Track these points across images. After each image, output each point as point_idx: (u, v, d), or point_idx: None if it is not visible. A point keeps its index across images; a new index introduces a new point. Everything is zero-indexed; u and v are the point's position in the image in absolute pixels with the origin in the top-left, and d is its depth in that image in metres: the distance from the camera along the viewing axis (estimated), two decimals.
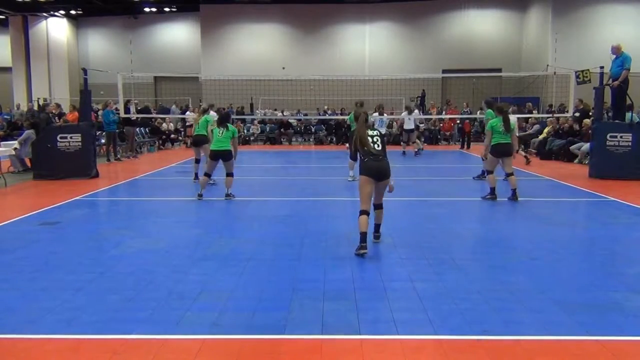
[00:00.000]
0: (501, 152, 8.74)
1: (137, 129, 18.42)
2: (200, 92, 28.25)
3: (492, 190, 8.79)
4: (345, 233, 6.58)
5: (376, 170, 5.73)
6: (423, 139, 21.45)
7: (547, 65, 21.18)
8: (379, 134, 5.96)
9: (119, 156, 15.60)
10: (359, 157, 5.88)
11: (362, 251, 5.55)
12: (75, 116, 15.15)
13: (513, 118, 13.58)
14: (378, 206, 6.02)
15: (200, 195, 8.96)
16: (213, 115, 10.89)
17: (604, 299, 4.37)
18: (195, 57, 29.84)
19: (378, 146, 5.86)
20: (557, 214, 8.05)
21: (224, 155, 8.92)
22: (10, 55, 30.68)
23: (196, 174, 10.97)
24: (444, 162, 16.10)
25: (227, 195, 9.02)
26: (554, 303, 4.25)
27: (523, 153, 14.77)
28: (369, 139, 5.83)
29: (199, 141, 10.73)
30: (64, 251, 5.87)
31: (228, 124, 9.01)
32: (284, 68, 25.99)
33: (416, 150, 17.01)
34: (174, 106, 24.84)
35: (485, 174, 9.32)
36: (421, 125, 20.72)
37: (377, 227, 6.13)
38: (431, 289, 4.60)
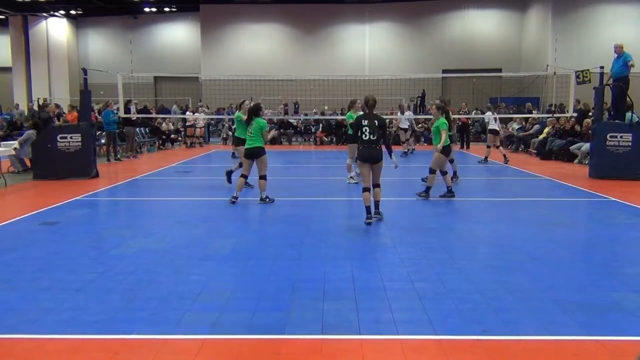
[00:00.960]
0: (450, 152, 9.27)
1: (137, 129, 18.44)
2: (200, 92, 28.28)
3: (449, 189, 9.06)
4: (345, 233, 6.59)
5: (368, 156, 6.88)
6: (422, 140, 21.46)
7: (547, 65, 21.19)
8: (377, 124, 6.84)
9: (119, 156, 15.60)
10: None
11: (367, 220, 6.86)
12: (74, 116, 15.17)
13: (489, 116, 13.35)
14: (375, 185, 7.07)
15: (235, 198, 8.51)
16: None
17: (604, 299, 4.37)
18: (195, 57, 29.86)
19: (374, 136, 6.81)
20: (557, 214, 8.05)
21: (256, 153, 8.48)
22: (10, 55, 30.70)
23: (228, 174, 10.34)
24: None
25: (262, 199, 8.54)
26: (554, 303, 4.25)
27: (504, 151, 14.83)
28: (367, 128, 6.81)
29: (239, 142, 9.73)
30: (64, 251, 5.87)
31: (255, 118, 8.46)
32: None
33: (408, 150, 16.77)
34: (175, 106, 24.85)
35: (429, 177, 9.09)
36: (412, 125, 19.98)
37: (376, 204, 7.12)
38: (431, 289, 4.60)
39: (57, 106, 18.57)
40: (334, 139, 22.24)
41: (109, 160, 15.06)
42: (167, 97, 28.43)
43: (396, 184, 10.92)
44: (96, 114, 16.48)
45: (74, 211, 8.16)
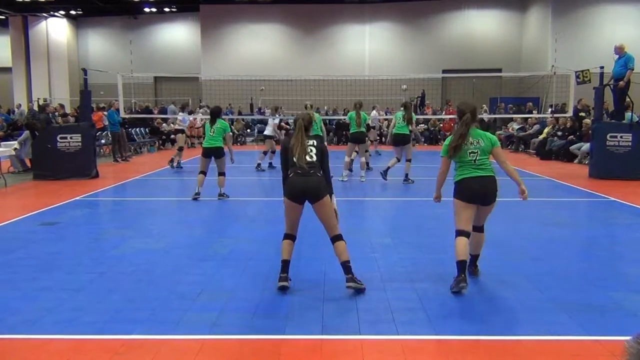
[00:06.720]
0: (397, 141, 10.67)
1: (134, 130, 18.50)
2: (200, 92, 28.27)
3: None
4: (344, 233, 6.58)
5: (301, 190, 4.49)
6: (423, 140, 21.50)
7: (552, 66, 21.10)
8: (315, 144, 4.60)
9: (125, 156, 15.62)
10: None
11: (281, 283, 4.48)
12: (99, 116, 15.65)
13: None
14: (334, 238, 4.58)
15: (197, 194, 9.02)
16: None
17: (604, 299, 4.37)
18: (195, 57, 29.84)
19: (311, 157, 4.53)
20: (557, 214, 8.05)
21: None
22: (10, 55, 30.68)
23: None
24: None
25: (221, 195, 9.04)
26: (554, 303, 4.25)
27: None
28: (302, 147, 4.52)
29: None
30: (64, 251, 5.87)
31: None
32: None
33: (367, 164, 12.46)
34: (172, 105, 24.73)
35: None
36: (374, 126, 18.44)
37: (344, 265, 4.50)
38: (431, 289, 4.60)
39: (62, 106, 18.58)
40: (335, 139, 22.28)
41: (116, 160, 15.08)
42: (167, 97, 28.40)
43: (396, 183, 10.92)
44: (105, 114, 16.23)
45: (74, 211, 8.16)
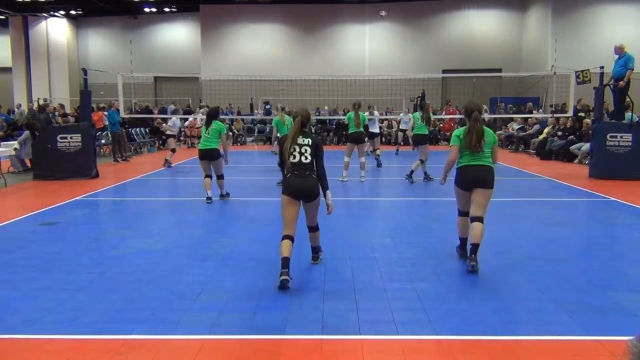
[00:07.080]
0: (417, 141, 11.41)
1: (134, 130, 18.51)
2: (200, 92, 28.28)
3: (411, 173, 10.94)
4: (344, 233, 6.59)
5: (298, 189, 4.87)
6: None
7: (552, 66, 21.10)
8: (310, 143, 4.86)
9: (125, 156, 15.62)
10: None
11: (282, 277, 4.56)
12: (99, 116, 15.77)
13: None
14: (312, 228, 5.24)
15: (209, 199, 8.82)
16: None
17: (604, 299, 4.37)
18: (195, 57, 29.84)
19: (306, 158, 4.85)
20: (557, 213, 8.05)
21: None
22: (10, 55, 30.68)
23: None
24: (444, 162, 16.08)
25: (222, 195, 9.02)
26: (554, 303, 4.25)
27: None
28: (296, 147, 4.82)
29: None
30: (64, 251, 5.87)
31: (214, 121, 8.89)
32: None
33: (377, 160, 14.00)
34: (172, 105, 24.73)
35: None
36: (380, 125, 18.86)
37: (314, 249, 5.40)
38: (431, 289, 4.60)
39: (62, 106, 18.59)
40: (335, 139, 22.28)
41: (116, 160, 15.08)
42: (167, 97, 28.42)
43: (396, 183, 10.93)
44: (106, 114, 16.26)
45: (74, 211, 8.16)
